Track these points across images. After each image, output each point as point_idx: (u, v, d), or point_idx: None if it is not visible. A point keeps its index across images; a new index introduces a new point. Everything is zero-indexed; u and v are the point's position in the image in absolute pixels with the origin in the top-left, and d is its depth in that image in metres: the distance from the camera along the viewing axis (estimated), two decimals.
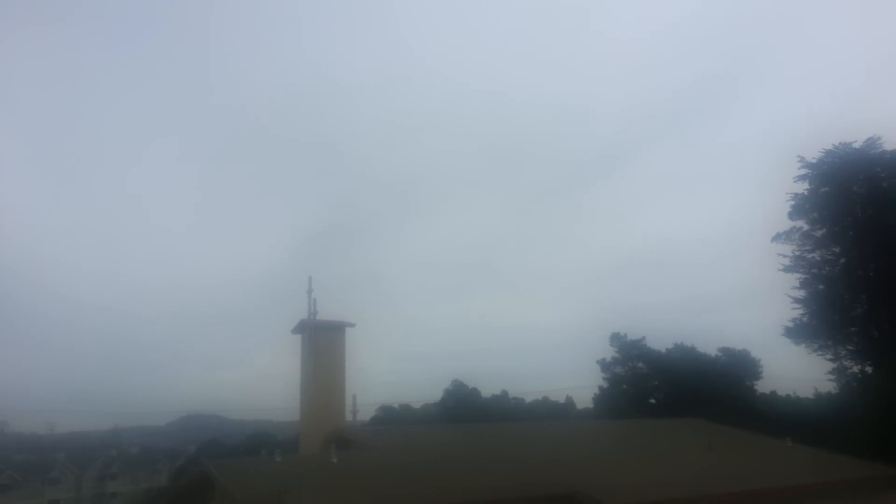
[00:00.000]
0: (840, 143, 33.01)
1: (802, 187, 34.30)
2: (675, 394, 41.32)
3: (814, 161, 33.76)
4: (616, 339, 47.26)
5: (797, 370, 58.20)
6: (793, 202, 34.44)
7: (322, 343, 21.18)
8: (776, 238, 34.99)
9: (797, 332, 33.59)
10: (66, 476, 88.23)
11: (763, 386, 43.51)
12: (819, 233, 33.99)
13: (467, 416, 48.63)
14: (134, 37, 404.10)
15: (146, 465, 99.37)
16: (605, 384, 47.20)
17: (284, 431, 67.75)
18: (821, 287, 33.44)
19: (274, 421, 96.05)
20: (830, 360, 32.96)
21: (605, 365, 47.29)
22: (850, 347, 32.42)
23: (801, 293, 33.97)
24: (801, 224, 34.43)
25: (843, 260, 33.22)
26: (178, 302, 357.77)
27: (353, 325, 22.01)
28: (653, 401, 44.73)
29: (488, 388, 60.57)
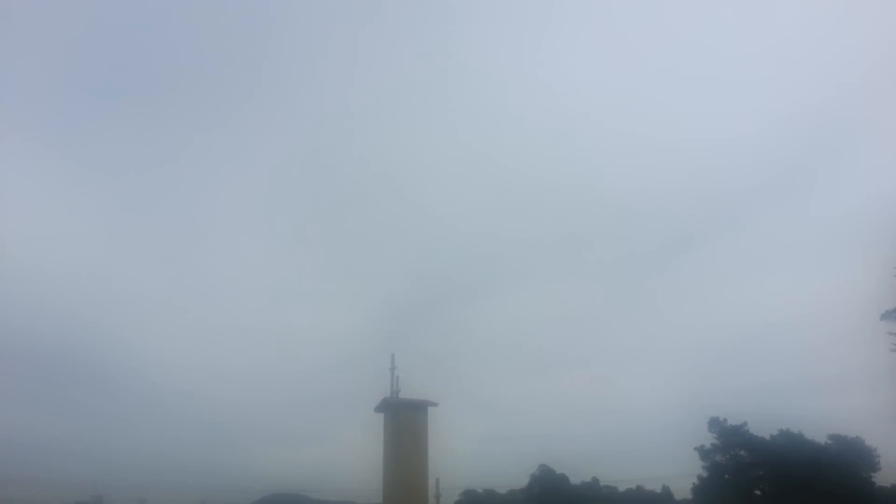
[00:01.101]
0: None
1: None
2: (782, 485, 38.31)
3: None
4: (715, 424, 44.71)
5: None
6: None
7: (405, 422, 20.96)
8: (886, 316, 32.75)
9: None
10: None
11: (882, 478, 39.79)
12: None
13: (555, 503, 46.57)
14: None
15: None
16: (704, 473, 44.53)
17: None
18: None
19: (357, 502, 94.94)
20: None
21: (704, 452, 44.67)
22: None
23: None
24: None
25: None
26: (261, 382, 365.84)
27: (435, 405, 21.74)
28: (758, 492, 41.59)
29: (577, 474, 58.06)
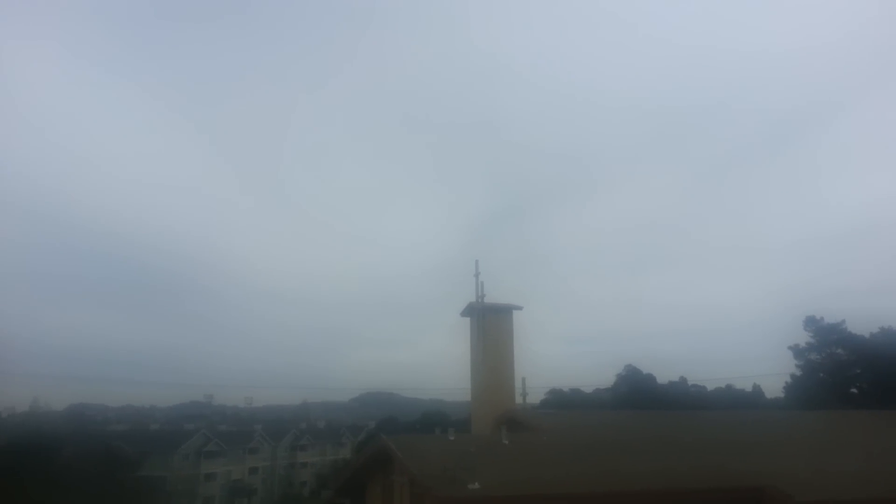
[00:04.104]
0: None
1: None
2: (881, 383, 37.03)
3: None
4: (811, 322, 43.23)
5: None
6: None
7: (490, 326, 21.34)
8: None
9: None
10: (263, 446, 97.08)
11: None
12: None
13: (642, 402, 46.98)
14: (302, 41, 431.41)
15: (331, 438, 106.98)
16: (798, 372, 43.51)
17: (457, 411, 69.73)
18: None
19: (446, 400, 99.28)
20: None
21: (798, 351, 43.52)
22: None
23: None
24: None
25: None
26: (358, 289, 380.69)
27: (520, 308, 21.96)
28: (854, 390, 40.46)
29: (665, 374, 58.27)
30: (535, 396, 55.49)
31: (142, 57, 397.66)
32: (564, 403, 59.22)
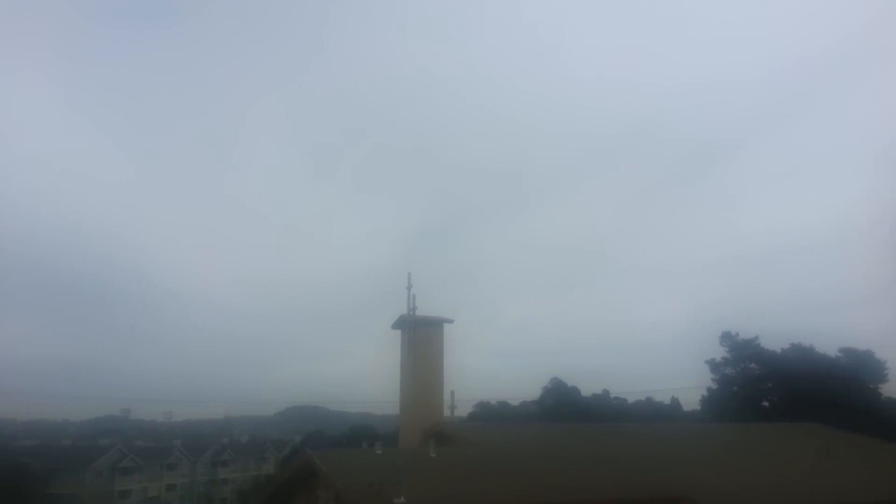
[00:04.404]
0: None
1: None
2: (790, 396, 38.98)
3: None
4: (727, 338, 45.11)
5: None
6: None
7: (421, 338, 21.38)
8: None
9: None
10: (182, 462, 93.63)
11: (889, 389, 40.41)
12: None
13: (567, 415, 47.87)
14: (240, 34, 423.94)
15: (255, 453, 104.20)
16: (714, 385, 45.21)
17: (385, 424, 69.26)
18: None
19: (375, 414, 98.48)
20: None
21: (714, 365, 45.27)
22: None
23: None
24: None
25: None
26: (285, 299, 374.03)
27: (451, 321, 22.09)
28: (766, 404, 42.41)
29: (589, 387, 59.41)
30: (464, 409, 55.79)
31: (67, 57, 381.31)
32: (492, 416, 59.72)
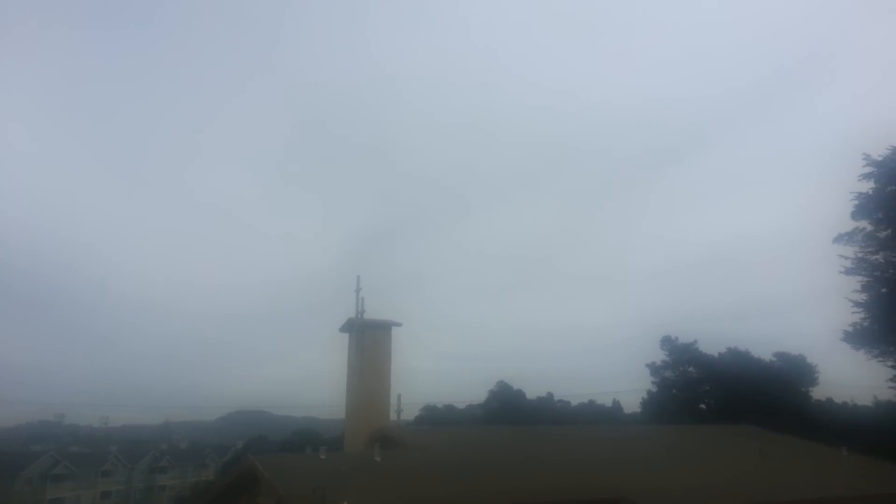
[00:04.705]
0: None
1: (867, 186, 32.95)
2: (726, 399, 40.25)
3: (880, 159, 32.41)
4: (667, 342, 46.31)
5: (856, 377, 56.27)
6: (856, 202, 33.10)
7: (369, 342, 21.29)
8: (838, 239, 33.67)
9: (857, 338, 32.33)
10: (119, 469, 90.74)
11: (819, 393, 42.15)
12: (883, 234, 32.63)
13: (512, 417, 48.33)
14: (184, 32, 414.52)
15: (194, 459, 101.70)
16: (654, 388, 46.30)
17: (330, 429, 68.58)
18: (884, 290, 32.11)
19: (319, 418, 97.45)
20: (892, 367, 31.67)
21: (654, 369, 46.38)
22: None
23: (862, 297, 32.66)
24: (865, 225, 33.08)
25: None
26: (229, 300, 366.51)
27: (399, 325, 22.07)
28: (703, 406, 43.68)
29: (534, 390, 60.17)
30: (410, 413, 55.69)
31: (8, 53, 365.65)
32: (438, 419, 59.80)
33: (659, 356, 46.41)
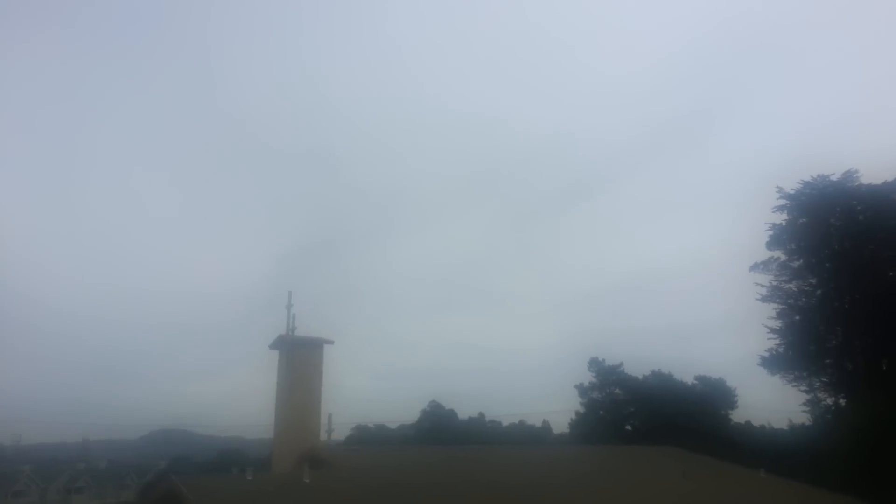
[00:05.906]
0: (818, 176, 33.61)
1: (781, 218, 34.78)
2: (651, 421, 41.43)
3: (792, 192, 34.25)
4: (594, 364, 47.38)
5: (772, 401, 58.66)
6: (771, 232, 34.87)
7: (299, 360, 20.91)
8: (754, 268, 35.36)
9: (773, 363, 33.85)
10: (31, 489, 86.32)
11: (738, 416, 43.82)
12: (796, 263, 34.41)
13: (443, 437, 48.31)
14: (124, 37, 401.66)
15: (114, 479, 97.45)
16: (582, 409, 47.22)
17: (257, 449, 66.76)
18: (797, 318, 33.79)
19: (246, 438, 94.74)
20: (805, 391, 33.25)
21: (582, 390, 47.33)
22: (825, 379, 32.72)
23: (777, 323, 34.28)
24: (779, 254, 34.85)
25: (819, 291, 33.65)
26: (153, 312, 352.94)
27: (331, 342, 21.79)
28: (629, 427, 44.81)
29: (465, 410, 60.34)
30: (341, 433, 54.87)
31: None
32: (370, 439, 59.16)
33: (587, 377, 47.45)
